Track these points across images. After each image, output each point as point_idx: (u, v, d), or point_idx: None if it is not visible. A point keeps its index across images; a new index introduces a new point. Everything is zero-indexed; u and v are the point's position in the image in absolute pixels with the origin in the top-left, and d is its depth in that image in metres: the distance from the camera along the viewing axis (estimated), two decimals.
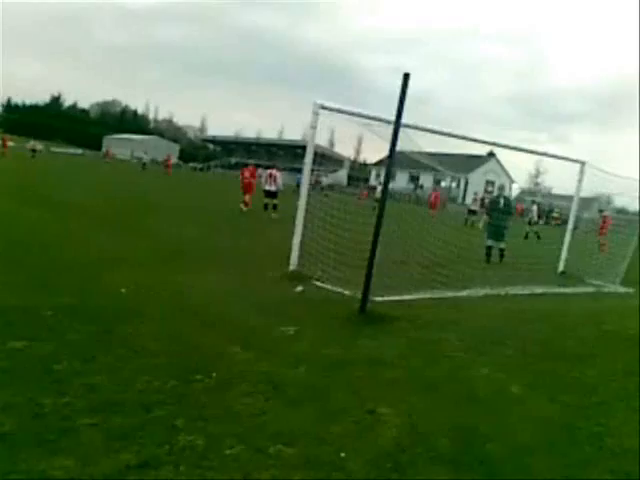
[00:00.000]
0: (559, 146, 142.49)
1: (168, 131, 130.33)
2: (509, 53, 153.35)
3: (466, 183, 69.24)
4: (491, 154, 73.51)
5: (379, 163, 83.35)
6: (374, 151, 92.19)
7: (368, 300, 7.14)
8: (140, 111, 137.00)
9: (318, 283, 8.85)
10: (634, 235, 14.13)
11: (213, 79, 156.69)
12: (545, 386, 5.36)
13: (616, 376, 5.96)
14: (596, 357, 6.60)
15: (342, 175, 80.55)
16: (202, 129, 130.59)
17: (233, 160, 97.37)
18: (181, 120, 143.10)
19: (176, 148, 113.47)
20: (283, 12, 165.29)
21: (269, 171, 21.08)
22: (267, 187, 20.59)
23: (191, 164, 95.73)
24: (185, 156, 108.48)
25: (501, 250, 14.36)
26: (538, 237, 23.56)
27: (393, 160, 7.10)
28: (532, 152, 13.49)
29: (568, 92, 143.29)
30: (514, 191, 74.43)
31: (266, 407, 4.20)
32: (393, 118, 6.94)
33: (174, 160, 78.73)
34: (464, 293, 9.42)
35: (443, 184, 72.00)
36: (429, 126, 9.86)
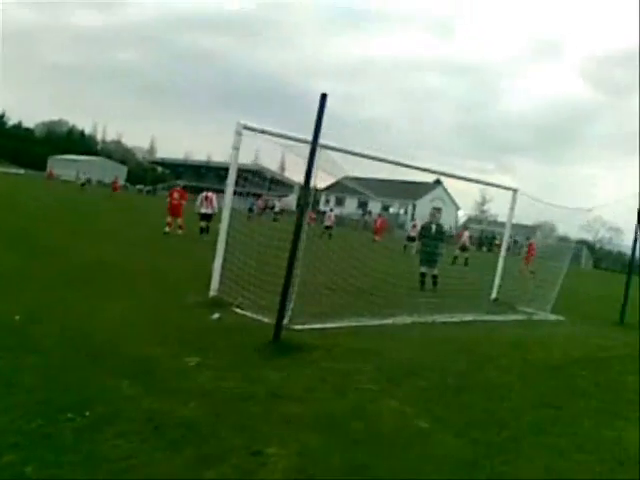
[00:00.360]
0: (505, 175, 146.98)
1: (117, 152, 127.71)
2: (455, 84, 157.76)
3: (413, 209, 70.21)
4: (438, 182, 74.86)
5: (328, 188, 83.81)
6: (324, 177, 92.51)
7: (283, 328, 6.80)
8: (88, 131, 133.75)
9: (238, 310, 8.46)
10: (565, 262, 14.31)
11: (163, 101, 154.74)
12: (455, 420, 5.12)
13: (531, 409, 5.79)
14: (514, 388, 6.44)
15: (291, 200, 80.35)
16: (151, 151, 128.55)
17: (181, 183, 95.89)
18: (130, 141, 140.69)
19: (124, 169, 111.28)
20: (240, 37, 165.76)
21: (205, 193, 20.55)
22: (203, 210, 20.04)
23: (138, 186, 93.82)
24: (132, 178, 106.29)
25: (434, 277, 14.29)
26: (466, 264, 23.64)
27: (310, 180, 6.83)
28: (467, 179, 13.53)
29: (513, 123, 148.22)
30: (460, 218, 75.92)
31: (139, 450, 3.78)
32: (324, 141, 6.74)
33: (120, 182, 77.08)
34: (390, 321, 9.19)
35: (391, 210, 72.84)
36: (357, 150, 9.70)
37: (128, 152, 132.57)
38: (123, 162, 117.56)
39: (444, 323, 9.99)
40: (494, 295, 13.85)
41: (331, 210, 45.10)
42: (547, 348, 8.90)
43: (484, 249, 54.13)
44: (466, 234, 31.22)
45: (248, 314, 8.30)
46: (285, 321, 7.94)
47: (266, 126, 8.63)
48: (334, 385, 5.69)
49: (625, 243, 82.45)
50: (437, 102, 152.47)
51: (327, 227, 34.31)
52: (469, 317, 10.66)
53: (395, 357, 7.02)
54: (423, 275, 14.30)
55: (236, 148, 8.66)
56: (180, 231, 20.22)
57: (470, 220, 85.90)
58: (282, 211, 51.82)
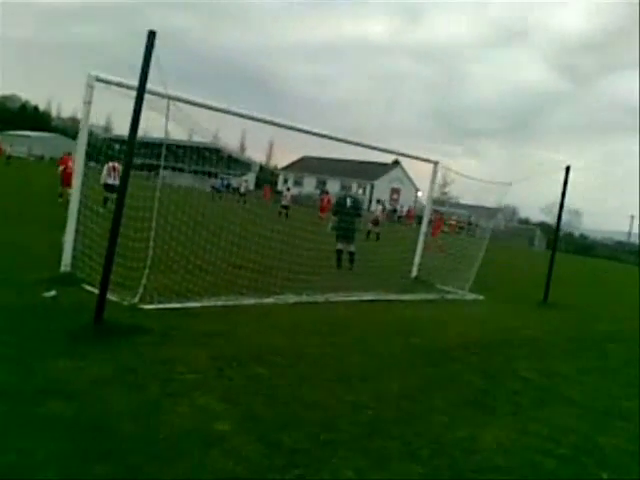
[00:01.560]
0: (472, 159, 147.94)
1: (72, 129, 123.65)
2: (423, 69, 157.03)
3: (372, 190, 69.48)
4: (396, 162, 74.24)
5: (287, 167, 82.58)
6: (285, 156, 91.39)
7: (104, 308, 5.75)
8: (42, 108, 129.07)
9: (88, 287, 7.36)
10: (484, 240, 13.57)
11: (122, 79, 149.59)
12: (268, 421, 4.16)
13: (379, 402, 4.89)
14: (373, 377, 5.54)
15: (249, 179, 78.84)
16: (107, 128, 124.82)
17: (138, 161, 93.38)
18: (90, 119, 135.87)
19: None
20: (200, 15, 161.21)
21: (112, 164, 19.07)
22: (110, 181, 18.59)
23: (90, 163, 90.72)
24: (88, 155, 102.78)
25: (351, 254, 13.36)
26: (377, 238, 22.96)
27: (135, 132, 5.74)
28: (389, 151, 12.57)
29: (480, 108, 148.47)
30: (419, 199, 75.42)
31: None
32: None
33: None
34: (270, 300, 8.22)
35: (353, 190, 71.92)
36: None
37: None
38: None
39: (337, 302, 9.06)
40: (414, 273, 13.04)
41: (288, 189, 44.01)
42: (440, 330, 8.07)
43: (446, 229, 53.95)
44: (379, 208, 30.19)
45: (97, 291, 7.21)
46: (135, 299, 6.95)
47: None
48: (142, 376, 4.68)
49: (584, 226, 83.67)
50: (406, 86, 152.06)
51: (283, 206, 32.78)
52: (369, 296, 9.76)
53: (245, 342, 6.04)
54: (340, 252, 13.35)
55: (88, 102, 7.50)
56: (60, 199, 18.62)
57: (434, 202, 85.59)
58: (235, 189, 50.21)
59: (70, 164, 18.58)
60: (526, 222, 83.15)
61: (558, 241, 44.98)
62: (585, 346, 8.74)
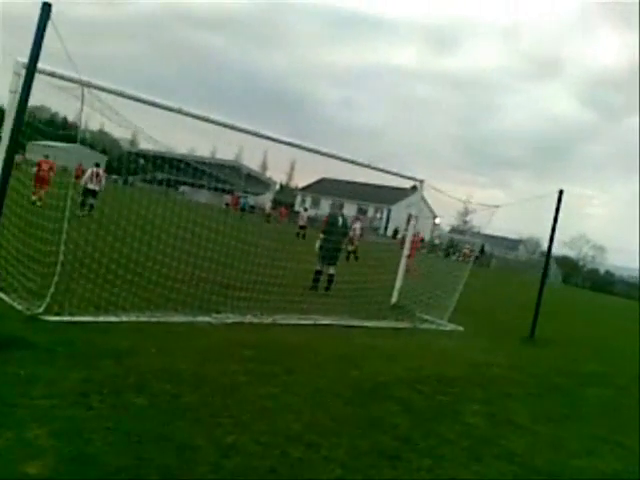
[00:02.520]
0: (499, 190, 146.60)
1: (101, 142, 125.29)
2: (452, 97, 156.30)
3: (389, 214, 68.53)
4: (414, 188, 73.21)
5: (306, 188, 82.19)
6: (306, 177, 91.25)
7: None
8: (71, 119, 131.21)
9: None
10: (466, 270, 12.66)
11: (154, 94, 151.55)
12: (96, 466, 3.38)
13: (270, 446, 4.08)
14: (279, 416, 4.72)
15: (266, 198, 78.63)
16: (133, 142, 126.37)
17: (159, 176, 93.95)
18: (115, 132, 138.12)
19: (103, 159, 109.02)
20: (235, 35, 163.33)
21: (95, 169, 19.07)
22: (90, 185, 18.51)
23: (113, 176, 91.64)
24: (112, 168, 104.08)
25: (330, 276, 12.55)
26: (356, 258, 22.08)
27: (23, 111, 5.10)
28: (372, 168, 11.72)
29: (508, 139, 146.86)
30: (436, 226, 74.19)
31: None
32: None
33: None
34: (205, 319, 7.46)
35: (369, 214, 71.21)
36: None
37: (114, 142, 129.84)
38: (104, 152, 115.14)
39: (282, 325, 8.26)
40: (394, 299, 12.18)
41: (305, 210, 44.06)
42: (390, 363, 7.20)
43: (453, 258, 52.73)
44: (357, 226, 28.36)
45: (6, 298, 6.55)
46: (40, 310, 6.25)
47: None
48: None
49: (609, 262, 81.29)
50: (434, 113, 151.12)
51: (301, 227, 33.32)
52: (327, 320, 8.93)
53: (141, 364, 5.27)
54: (318, 273, 12.55)
55: (13, 91, 6.89)
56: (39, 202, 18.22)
57: (453, 230, 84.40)
58: (252, 207, 50.00)
59: (44, 166, 18.26)
60: (564, 258, 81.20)
61: (576, 276, 43.23)
62: (558, 389, 7.77)
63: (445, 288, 12.37)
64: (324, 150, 10.41)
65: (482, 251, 54.37)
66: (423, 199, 59.23)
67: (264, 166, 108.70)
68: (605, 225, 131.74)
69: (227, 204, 44.93)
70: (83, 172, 20.14)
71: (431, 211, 74.65)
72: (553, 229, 11.78)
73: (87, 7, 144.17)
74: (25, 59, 6.90)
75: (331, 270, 12.59)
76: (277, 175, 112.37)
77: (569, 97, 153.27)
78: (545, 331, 12.23)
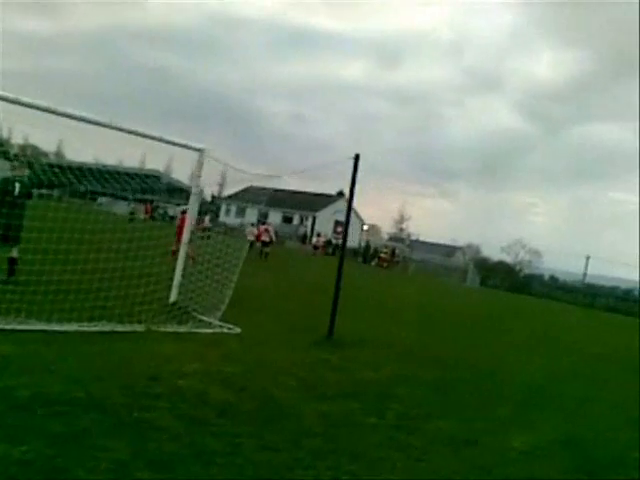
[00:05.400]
0: (446, 200, 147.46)
1: (25, 155, 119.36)
2: (399, 111, 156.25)
3: (314, 222, 66.51)
4: (340, 193, 71.64)
5: (231, 197, 79.47)
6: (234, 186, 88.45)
7: None
8: None
9: None
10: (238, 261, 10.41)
11: (96, 110, 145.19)
12: None
13: None
14: None
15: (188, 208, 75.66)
16: (59, 154, 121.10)
17: (82, 188, 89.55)
18: (41, 145, 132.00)
19: (25, 172, 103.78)
20: (182, 52, 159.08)
21: None
22: None
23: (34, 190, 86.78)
24: (35, 181, 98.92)
25: (12, 261, 9.55)
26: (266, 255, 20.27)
27: None
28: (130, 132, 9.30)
29: (455, 151, 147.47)
30: (364, 232, 72.73)
31: None
32: None
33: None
34: None
35: (295, 222, 69.09)
36: None
37: (39, 155, 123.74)
38: (29, 165, 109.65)
39: None
40: (173, 298, 9.86)
41: (210, 220, 42.64)
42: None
43: (373, 263, 51.05)
44: (320, 240, 26.68)
45: None
46: None
47: None
48: None
49: (545, 266, 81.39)
50: (383, 127, 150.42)
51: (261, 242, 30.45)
52: (30, 326, 6.51)
53: None
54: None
55: None
56: None
57: (391, 239, 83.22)
58: (172, 218, 47.05)
59: None
60: (483, 260, 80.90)
61: (494, 278, 42.00)
62: (285, 410, 5.56)
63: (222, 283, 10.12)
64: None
65: (393, 254, 52.94)
66: (351, 207, 57.81)
67: (194, 177, 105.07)
68: (547, 231, 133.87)
69: (132, 213, 43.72)
70: None
71: (358, 216, 73.38)
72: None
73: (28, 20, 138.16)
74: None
75: (14, 253, 9.58)
76: (209, 186, 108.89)
77: (510, 110, 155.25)
78: (358, 331, 10.16)
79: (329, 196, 71.01)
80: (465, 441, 5.56)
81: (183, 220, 20.31)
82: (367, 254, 53.31)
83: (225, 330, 8.85)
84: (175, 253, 18.20)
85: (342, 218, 72.61)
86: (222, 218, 73.69)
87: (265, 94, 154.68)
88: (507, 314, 25.30)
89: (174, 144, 9.91)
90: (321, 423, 5.31)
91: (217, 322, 9.13)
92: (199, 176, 10.26)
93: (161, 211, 69.67)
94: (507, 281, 56.16)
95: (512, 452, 5.51)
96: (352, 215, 44.75)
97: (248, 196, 75.67)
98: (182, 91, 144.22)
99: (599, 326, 29.84)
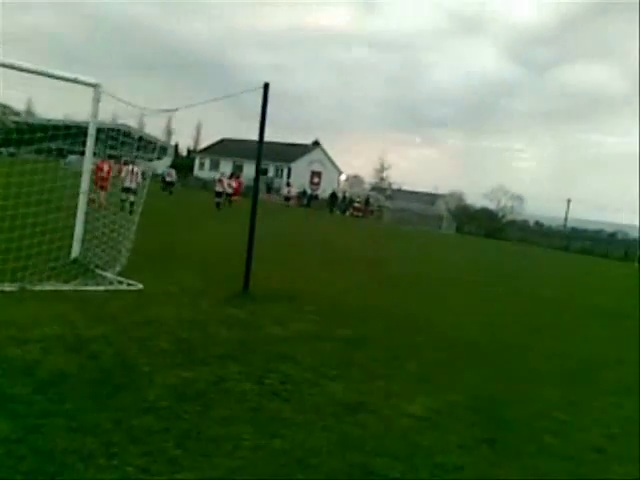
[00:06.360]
0: (432, 148, 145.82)
1: None
2: (381, 58, 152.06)
3: (289, 173, 64.96)
4: (316, 143, 69.99)
5: (205, 150, 77.46)
6: (208, 138, 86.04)
7: None
8: None
9: None
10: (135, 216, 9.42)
11: (74, 68, 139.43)
12: None
13: None
14: None
15: (164, 163, 73.50)
16: (29, 112, 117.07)
17: (53, 145, 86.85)
18: (10, 102, 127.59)
19: None
20: (154, 4, 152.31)
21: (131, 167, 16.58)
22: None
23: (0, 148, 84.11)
24: (2, 139, 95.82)
25: None
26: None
27: None
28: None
29: (438, 98, 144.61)
30: (342, 182, 71.51)
31: None
32: None
33: None
34: None
35: (270, 173, 67.33)
36: None
37: (6, 113, 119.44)
38: None
39: None
40: (75, 254, 8.88)
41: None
42: None
43: (347, 213, 50.05)
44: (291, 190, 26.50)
45: None
46: None
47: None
48: None
49: (527, 212, 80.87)
50: (364, 76, 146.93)
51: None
52: None
53: None
54: None
55: None
56: None
57: (373, 189, 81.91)
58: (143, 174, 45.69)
59: None
60: (465, 208, 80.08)
61: (470, 224, 41.29)
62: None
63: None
64: None
65: (367, 203, 51.93)
66: (326, 154, 57.60)
67: (168, 132, 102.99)
68: (531, 176, 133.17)
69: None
70: None
71: (335, 166, 71.99)
72: (261, 126, 8.71)
73: None
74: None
75: None
76: (185, 140, 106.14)
77: (493, 53, 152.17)
78: (282, 284, 9.30)
79: (304, 146, 69.27)
80: (352, 408, 4.75)
81: (99, 168, 18.81)
82: (338, 203, 52.02)
83: (124, 287, 7.91)
84: (94, 202, 17.22)
85: (318, 168, 71.37)
86: (196, 172, 71.94)
87: (240, 45, 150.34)
88: (462, 260, 24.48)
89: (63, 79, 8.73)
90: (171, 395, 4.44)
91: (117, 278, 8.17)
92: (95, 115, 9.10)
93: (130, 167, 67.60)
94: (483, 227, 55.51)
95: (404, 419, 4.70)
96: (328, 164, 44.30)
97: (222, 149, 73.78)
98: (154, 43, 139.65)
99: (561, 268, 29.32)
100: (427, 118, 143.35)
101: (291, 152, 66.53)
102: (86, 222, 9.10)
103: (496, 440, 4.57)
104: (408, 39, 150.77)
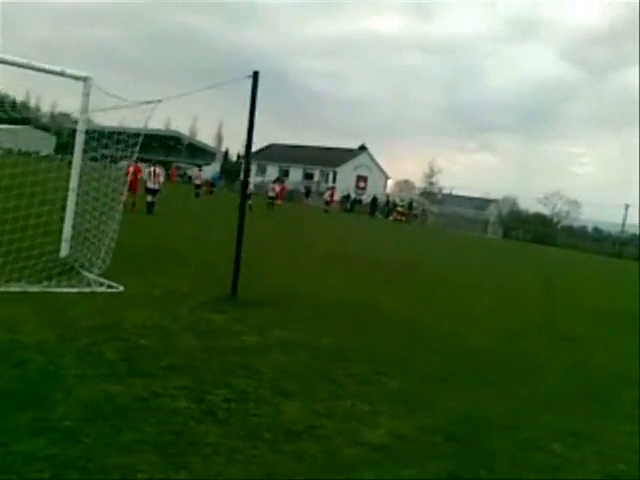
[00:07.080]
0: (487, 153, 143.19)
1: (54, 122, 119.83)
2: (435, 63, 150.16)
3: (334, 177, 64.41)
4: (363, 147, 69.22)
5: (253, 155, 77.76)
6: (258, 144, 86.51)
7: None
8: (20, 100, 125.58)
9: None
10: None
11: (136, 77, 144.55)
12: None
13: None
14: None
15: (213, 168, 74.24)
16: (87, 120, 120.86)
17: (107, 152, 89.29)
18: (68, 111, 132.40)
19: (52, 139, 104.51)
20: (212, 15, 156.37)
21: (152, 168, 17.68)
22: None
23: (59, 156, 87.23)
24: (61, 147, 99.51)
25: None
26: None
27: None
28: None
29: (494, 102, 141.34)
30: (390, 187, 70.46)
31: None
32: None
33: (46, 152, 70.53)
34: None
35: (316, 178, 67.09)
36: None
37: (66, 121, 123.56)
38: (57, 132, 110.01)
39: None
40: (64, 253, 8.55)
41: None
42: None
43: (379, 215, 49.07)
44: (328, 193, 26.37)
45: None
46: None
47: None
48: None
49: (582, 217, 77.74)
50: (418, 81, 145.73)
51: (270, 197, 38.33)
52: None
53: None
54: None
55: None
56: None
57: (422, 194, 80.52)
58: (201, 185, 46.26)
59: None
60: (517, 213, 77.63)
61: (518, 230, 39.66)
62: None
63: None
64: None
65: (410, 207, 50.65)
66: (373, 160, 57.69)
67: (219, 138, 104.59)
68: (590, 181, 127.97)
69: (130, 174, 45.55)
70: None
71: (381, 170, 70.95)
72: (251, 115, 8.13)
73: None
74: None
75: None
76: (234, 145, 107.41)
77: (551, 57, 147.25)
78: (282, 288, 8.66)
79: (351, 150, 68.64)
80: (295, 434, 4.06)
81: (136, 169, 18.36)
82: (380, 208, 50.98)
83: (102, 289, 7.46)
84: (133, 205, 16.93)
85: (364, 173, 70.47)
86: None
87: (296, 53, 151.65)
88: (494, 265, 23.21)
89: (54, 73, 8.41)
90: (82, 413, 3.87)
91: (99, 279, 7.74)
92: (85, 110, 8.75)
93: (181, 172, 68.70)
94: (532, 232, 53.24)
95: (354, 449, 3.97)
96: (374, 169, 44.01)
97: (269, 154, 74.03)
98: (212, 53, 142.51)
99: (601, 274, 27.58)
100: (481, 123, 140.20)
101: (337, 156, 66.06)
102: (75, 220, 8.75)
103: (463, 479, 3.79)
104: (463, 44, 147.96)
